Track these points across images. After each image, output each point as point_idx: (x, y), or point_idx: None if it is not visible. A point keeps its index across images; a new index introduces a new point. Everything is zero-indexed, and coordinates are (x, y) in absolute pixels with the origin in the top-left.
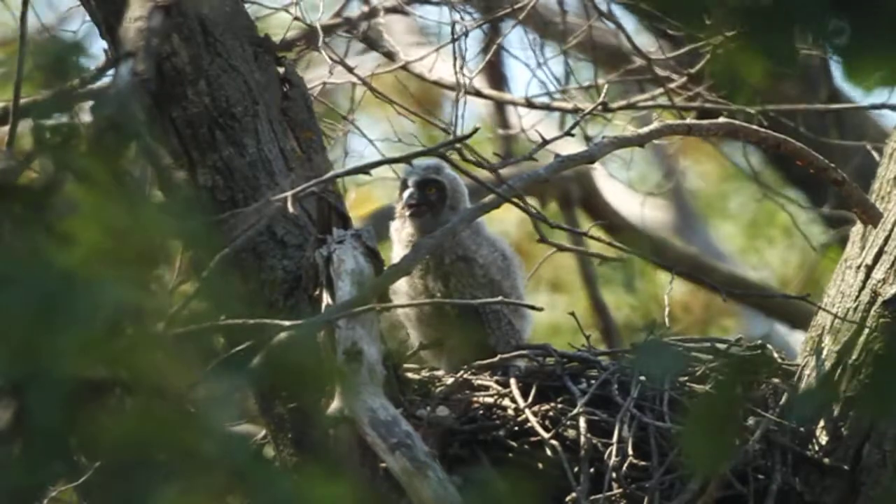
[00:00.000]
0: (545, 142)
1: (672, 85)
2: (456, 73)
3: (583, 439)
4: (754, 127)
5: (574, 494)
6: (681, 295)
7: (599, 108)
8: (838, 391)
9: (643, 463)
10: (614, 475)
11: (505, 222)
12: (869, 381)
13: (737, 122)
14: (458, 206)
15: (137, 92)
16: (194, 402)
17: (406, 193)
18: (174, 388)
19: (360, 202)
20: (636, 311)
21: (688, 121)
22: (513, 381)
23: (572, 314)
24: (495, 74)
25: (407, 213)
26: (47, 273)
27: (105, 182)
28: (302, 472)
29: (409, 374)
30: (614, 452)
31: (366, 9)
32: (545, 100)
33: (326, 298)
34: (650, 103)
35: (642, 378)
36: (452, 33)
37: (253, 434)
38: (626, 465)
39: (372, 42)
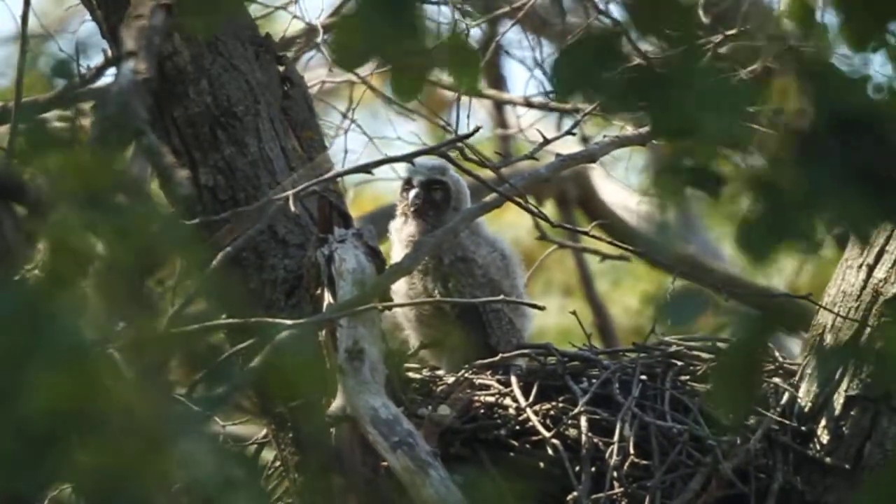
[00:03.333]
0: (546, 141)
1: None
2: None
3: (584, 438)
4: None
5: (575, 493)
6: None
7: (598, 107)
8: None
9: (644, 462)
10: (615, 474)
11: (518, 227)
12: (871, 380)
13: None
14: (461, 208)
15: (139, 91)
16: (164, 431)
17: (412, 193)
18: (142, 418)
19: (356, 202)
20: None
21: None
22: (514, 379)
23: (574, 313)
24: (494, 74)
25: (411, 212)
26: (13, 306)
27: (101, 185)
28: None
29: (411, 374)
30: (615, 451)
31: None
32: (543, 99)
33: (328, 297)
34: None
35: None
36: (453, 33)
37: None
38: (627, 464)
39: None
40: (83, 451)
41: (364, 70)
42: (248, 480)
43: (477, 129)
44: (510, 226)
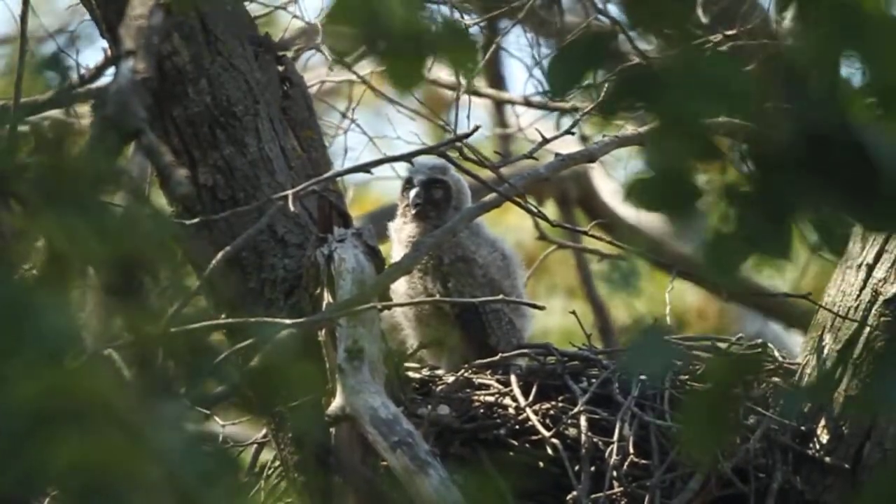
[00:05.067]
0: (545, 140)
1: None
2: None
3: (584, 438)
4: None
5: (575, 493)
6: (696, 301)
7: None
8: (833, 391)
9: (644, 461)
10: (615, 474)
11: (520, 231)
12: (870, 379)
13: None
14: (462, 208)
15: (138, 91)
16: (143, 426)
17: (412, 193)
18: (121, 413)
19: (356, 201)
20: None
21: None
22: (514, 379)
23: (573, 313)
24: (493, 74)
25: (412, 212)
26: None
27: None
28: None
29: (410, 373)
30: (615, 451)
31: None
32: (542, 99)
33: (327, 297)
34: None
35: (642, 377)
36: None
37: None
38: (626, 463)
39: None
40: (63, 449)
41: (364, 69)
42: (227, 476)
43: (476, 129)
44: (512, 229)
